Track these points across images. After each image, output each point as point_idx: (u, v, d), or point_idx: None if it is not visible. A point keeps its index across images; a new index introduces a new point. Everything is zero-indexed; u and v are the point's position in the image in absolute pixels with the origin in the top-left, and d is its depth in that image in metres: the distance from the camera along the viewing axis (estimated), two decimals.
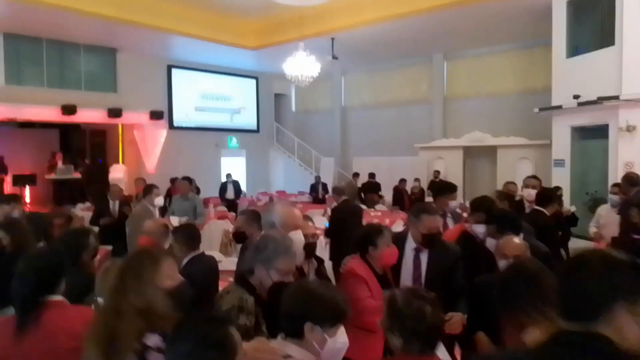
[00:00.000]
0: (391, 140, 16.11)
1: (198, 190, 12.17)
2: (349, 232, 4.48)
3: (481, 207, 3.43)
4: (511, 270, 1.99)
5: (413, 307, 1.75)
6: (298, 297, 1.70)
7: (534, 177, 5.04)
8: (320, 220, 7.76)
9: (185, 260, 3.30)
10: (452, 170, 13.69)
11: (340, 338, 1.67)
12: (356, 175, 13.99)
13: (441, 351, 1.98)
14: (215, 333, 1.36)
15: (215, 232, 7.80)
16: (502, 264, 2.56)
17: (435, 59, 15.34)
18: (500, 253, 2.58)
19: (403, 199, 11.58)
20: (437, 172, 13.51)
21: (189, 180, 9.04)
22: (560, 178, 9.47)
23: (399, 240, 3.07)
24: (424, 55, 15.29)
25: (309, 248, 2.80)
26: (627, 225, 4.12)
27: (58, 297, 2.03)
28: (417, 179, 12.80)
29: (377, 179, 13.48)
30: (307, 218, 3.18)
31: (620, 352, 1.15)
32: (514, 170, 11.76)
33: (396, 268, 3.02)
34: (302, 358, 1.62)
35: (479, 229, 3.33)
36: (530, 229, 3.31)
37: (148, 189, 6.65)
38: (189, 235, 3.39)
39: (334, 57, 13.01)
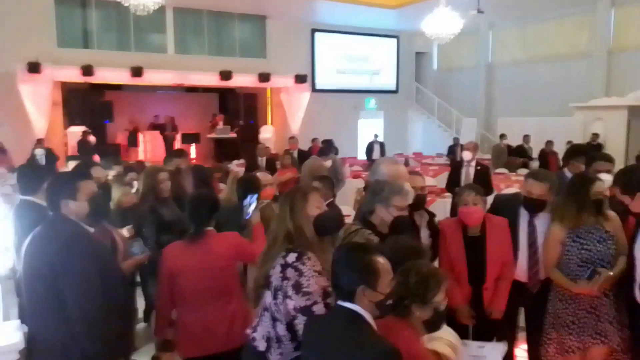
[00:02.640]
0: (542, 100, 14.82)
1: (336, 151, 12.80)
2: None
3: None
4: None
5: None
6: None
7: None
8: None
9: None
10: (613, 133, 12.23)
11: None
12: (503, 136, 13.21)
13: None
14: (361, 258, 1.71)
15: (349, 189, 8.21)
16: None
17: (600, 6, 13.56)
18: None
19: (548, 162, 10.73)
20: (595, 135, 12.18)
21: (329, 142, 9.67)
22: None
23: (511, 202, 3.07)
24: (586, 3, 13.59)
25: (419, 199, 2.97)
26: None
27: (210, 228, 2.63)
28: (569, 142, 11.70)
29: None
30: (416, 173, 3.32)
31: None
32: None
33: (515, 231, 3.01)
34: None
35: None
36: None
37: (326, 151, 7.42)
38: (331, 184, 3.98)
39: (480, 11, 12.27)
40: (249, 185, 3.61)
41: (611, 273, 2.68)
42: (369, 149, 13.54)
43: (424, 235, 2.99)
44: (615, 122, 12.35)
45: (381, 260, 1.73)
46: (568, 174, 3.90)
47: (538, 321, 2.95)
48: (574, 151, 4.01)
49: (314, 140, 12.53)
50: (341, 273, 1.72)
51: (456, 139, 14.01)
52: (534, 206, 2.97)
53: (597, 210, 2.77)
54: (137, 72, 12.65)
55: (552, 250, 2.86)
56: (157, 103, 16.58)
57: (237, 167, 11.22)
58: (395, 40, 17.61)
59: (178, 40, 14.19)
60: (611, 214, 2.83)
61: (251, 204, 2.88)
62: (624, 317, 2.74)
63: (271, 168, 8.18)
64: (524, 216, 3.04)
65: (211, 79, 13.83)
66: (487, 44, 17.00)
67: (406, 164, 13.49)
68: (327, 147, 7.37)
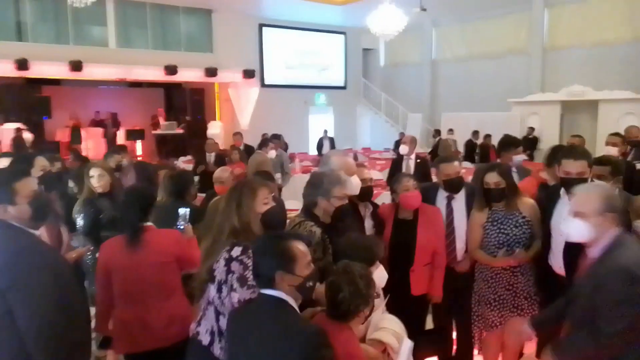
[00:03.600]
0: (483, 95, 15.43)
1: (286, 146, 12.84)
2: None
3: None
4: None
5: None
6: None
7: (617, 134, 4.77)
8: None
9: None
10: (547, 126, 12.93)
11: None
12: (450, 131, 13.63)
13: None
14: (277, 245, 1.76)
15: (299, 184, 8.25)
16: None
17: (535, 5, 14.25)
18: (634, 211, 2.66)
19: (488, 155, 11.26)
20: (530, 129, 12.84)
21: (277, 137, 9.68)
22: None
23: (431, 190, 3.27)
24: (522, 2, 14.25)
25: (365, 191, 3.10)
26: None
27: (149, 224, 2.57)
28: (505, 135, 12.24)
29: (465, 136, 13.06)
30: (362, 165, 3.43)
31: None
32: (617, 127, 10.84)
33: None
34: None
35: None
36: None
37: (264, 142, 7.39)
38: (266, 179, 3.83)
39: (422, 9, 12.63)
40: (179, 185, 3.48)
41: (527, 252, 2.97)
42: (319, 145, 13.71)
43: (368, 225, 3.11)
44: (549, 117, 13.07)
45: (298, 245, 1.78)
46: None
47: (465, 301, 3.17)
48: (505, 143, 4.25)
49: (263, 135, 12.50)
50: (259, 261, 1.77)
51: (402, 134, 14.35)
52: (454, 185, 3.23)
53: (492, 198, 3.01)
54: (76, 66, 12.13)
55: (474, 233, 3.09)
56: (99, 98, 15.98)
57: (183, 163, 11.02)
58: (342, 36, 17.79)
59: (120, 34, 13.71)
60: (528, 201, 3.05)
61: (185, 217, 2.80)
62: (538, 290, 3.02)
63: (220, 164, 8.11)
64: (442, 200, 3.29)
65: (156, 74, 13.47)
66: (430, 41, 17.47)
67: (355, 158, 13.71)
68: (265, 140, 7.41)
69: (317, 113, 17.33)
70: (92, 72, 12.60)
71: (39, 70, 11.98)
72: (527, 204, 3.03)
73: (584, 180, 2.66)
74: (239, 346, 1.79)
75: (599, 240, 2.07)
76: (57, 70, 12.25)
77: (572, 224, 2.11)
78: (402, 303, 2.92)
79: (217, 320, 2.08)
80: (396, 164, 6.43)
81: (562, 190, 2.78)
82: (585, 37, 13.40)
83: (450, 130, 13.53)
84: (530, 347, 3.27)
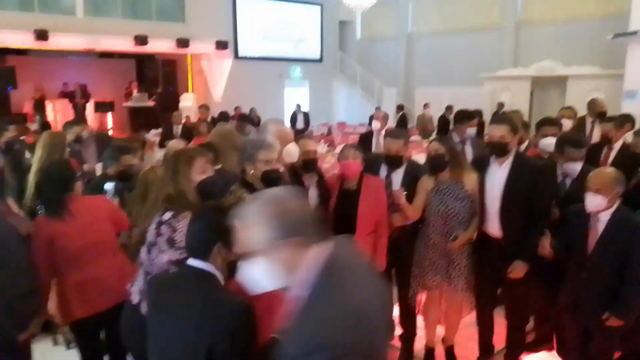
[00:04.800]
0: (458, 70, 15.49)
1: (259, 121, 12.76)
2: None
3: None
4: None
5: None
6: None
7: (569, 107, 4.91)
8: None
9: None
10: (517, 102, 13.04)
11: None
12: (426, 106, 13.66)
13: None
14: (218, 219, 1.77)
15: None
16: (590, 197, 2.58)
17: None
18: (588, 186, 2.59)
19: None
20: (500, 105, 12.96)
21: (245, 119, 9.56)
22: (630, 112, 8.86)
23: (375, 160, 3.39)
24: None
25: (308, 163, 3.17)
26: None
27: (75, 193, 2.63)
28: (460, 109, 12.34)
29: (438, 111, 13.13)
30: (308, 137, 3.47)
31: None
32: (584, 104, 11.08)
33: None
34: None
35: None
36: None
37: (224, 116, 7.37)
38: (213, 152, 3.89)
39: None
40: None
41: (466, 233, 3.09)
42: (293, 119, 13.61)
43: (313, 195, 3.15)
44: (520, 92, 13.23)
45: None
46: (456, 137, 4.22)
47: (406, 269, 3.31)
48: (458, 116, 4.35)
49: (236, 108, 12.42)
50: (200, 231, 1.77)
51: (378, 109, 14.36)
52: (392, 162, 3.31)
53: (433, 166, 3.16)
54: (41, 35, 11.76)
55: (420, 197, 3.20)
56: (67, 69, 15.55)
57: (154, 136, 10.89)
58: (319, 7, 17.54)
59: (88, 1, 13.27)
60: (473, 175, 3.13)
61: (111, 192, 2.91)
62: (475, 253, 3.16)
63: (187, 136, 8.05)
64: (383, 171, 3.39)
65: (125, 44, 13.15)
66: (407, 14, 17.37)
67: (329, 133, 13.77)
68: (224, 114, 7.48)
69: (293, 86, 17.16)
70: (58, 41, 12.24)
71: (1, 39, 11.58)
72: (472, 178, 3.12)
73: (504, 145, 2.86)
74: (163, 314, 1.77)
75: (299, 280, 1.24)
76: (22, 39, 11.86)
77: (251, 274, 1.29)
78: None
79: (146, 280, 2.14)
80: (364, 140, 6.40)
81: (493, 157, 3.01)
82: (558, 12, 13.51)
83: (426, 105, 13.58)
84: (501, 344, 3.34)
